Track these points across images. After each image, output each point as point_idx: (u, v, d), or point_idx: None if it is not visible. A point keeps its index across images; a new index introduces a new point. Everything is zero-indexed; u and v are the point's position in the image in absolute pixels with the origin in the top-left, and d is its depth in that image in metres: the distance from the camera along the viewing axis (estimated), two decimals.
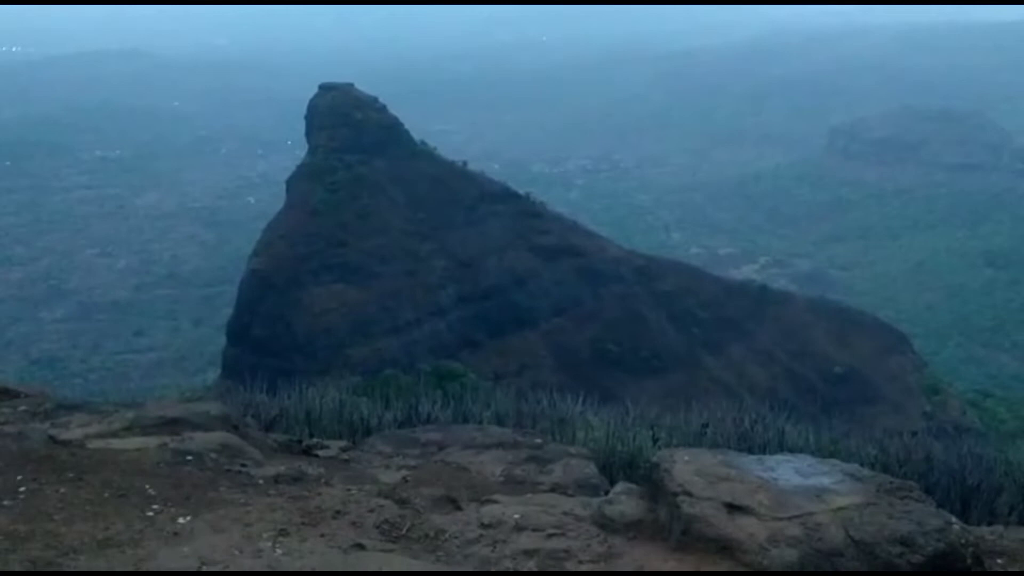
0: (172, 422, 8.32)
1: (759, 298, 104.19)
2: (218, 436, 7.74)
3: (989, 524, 7.26)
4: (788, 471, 5.86)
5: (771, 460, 6.12)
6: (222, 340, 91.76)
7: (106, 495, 6.06)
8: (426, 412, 10.73)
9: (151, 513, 5.80)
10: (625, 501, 5.95)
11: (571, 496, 6.87)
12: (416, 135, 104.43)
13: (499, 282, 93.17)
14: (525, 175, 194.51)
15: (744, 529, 5.26)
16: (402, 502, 6.23)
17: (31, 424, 8.56)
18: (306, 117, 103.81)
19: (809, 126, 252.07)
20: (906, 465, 8.89)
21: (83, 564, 5.11)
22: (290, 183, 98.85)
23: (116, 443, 7.78)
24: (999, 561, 5.76)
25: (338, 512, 5.90)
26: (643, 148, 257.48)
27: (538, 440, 8.75)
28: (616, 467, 8.91)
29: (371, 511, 5.95)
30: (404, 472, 7.69)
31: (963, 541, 5.28)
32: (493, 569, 5.36)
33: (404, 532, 5.74)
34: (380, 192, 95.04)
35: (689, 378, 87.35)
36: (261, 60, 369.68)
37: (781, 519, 5.29)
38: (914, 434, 10.84)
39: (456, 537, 5.71)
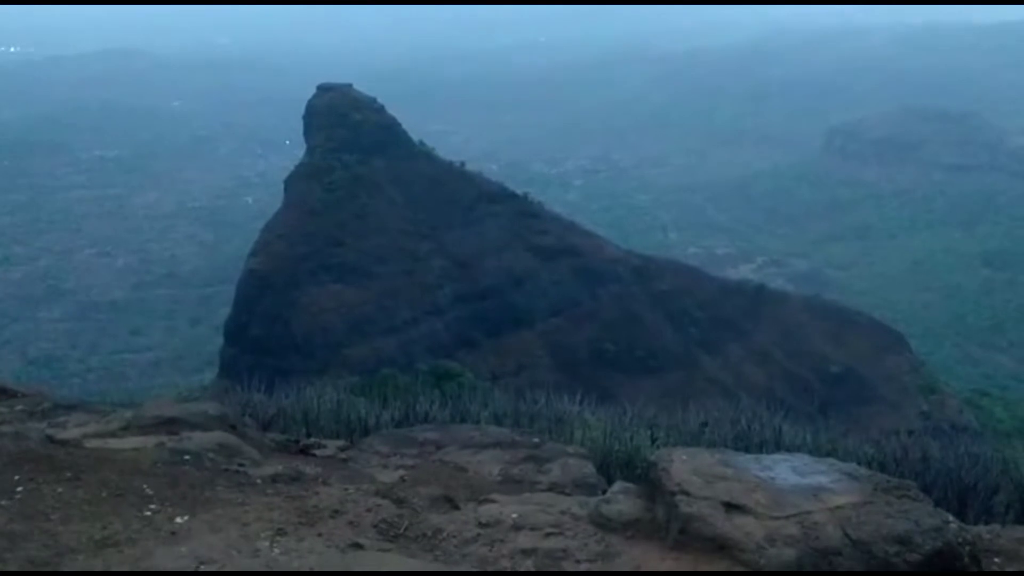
0: (170, 422, 8.32)
1: (756, 298, 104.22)
2: (216, 436, 7.74)
3: (986, 523, 7.27)
4: (785, 470, 5.86)
5: (768, 459, 6.12)
6: (220, 340, 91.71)
7: (103, 495, 6.05)
8: (424, 412, 10.75)
9: (148, 513, 5.79)
10: (623, 500, 5.96)
11: (569, 495, 6.88)
12: (414, 135, 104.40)
13: (497, 282, 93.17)
14: (523, 175, 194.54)
15: (741, 528, 5.27)
16: (400, 501, 6.23)
17: (28, 423, 8.56)
18: (304, 117, 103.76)
19: (808, 126, 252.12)
20: (903, 464, 8.91)
21: (80, 564, 5.10)
22: (288, 183, 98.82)
23: (113, 443, 7.78)
24: (996, 560, 5.77)
25: (336, 512, 5.90)
26: (642, 148, 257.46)
27: (536, 439, 8.77)
28: (613, 466, 8.93)
29: (369, 511, 5.95)
30: (402, 472, 7.70)
31: (960, 540, 5.29)
32: (491, 568, 5.36)
33: (402, 531, 5.75)
34: (378, 192, 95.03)
35: (686, 378, 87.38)
36: (261, 60, 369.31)
37: (778, 518, 5.30)
38: (911, 433, 10.86)
39: (454, 536, 5.71)
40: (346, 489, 6.50)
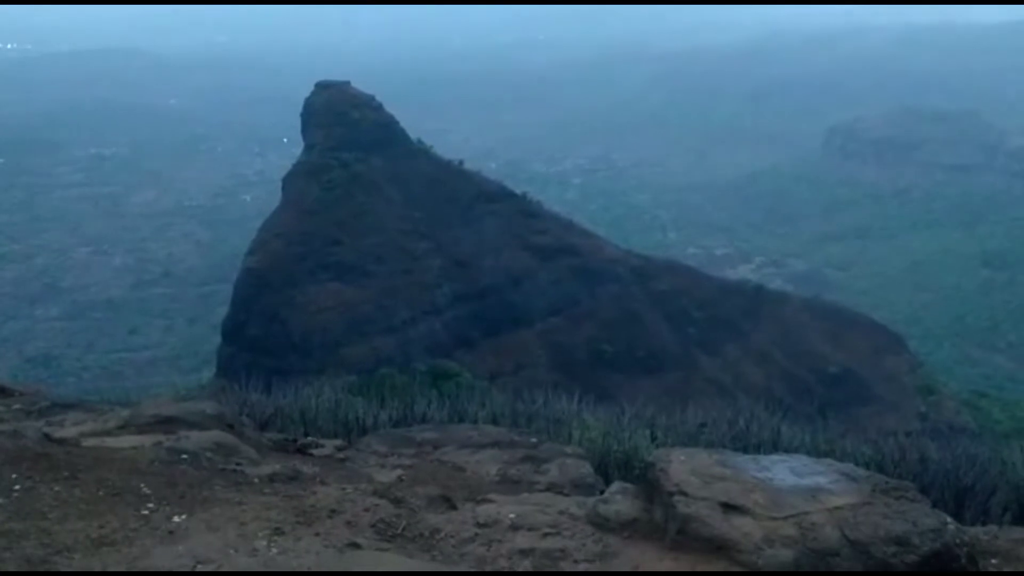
0: (167, 421, 8.32)
1: (755, 298, 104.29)
2: (213, 435, 7.73)
3: (983, 524, 7.28)
4: (783, 471, 5.86)
5: (766, 460, 6.12)
6: (217, 339, 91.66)
7: (101, 494, 6.04)
8: (421, 411, 10.75)
9: (146, 512, 5.79)
10: (620, 501, 5.95)
11: (567, 496, 6.88)
12: (413, 134, 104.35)
13: (495, 281, 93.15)
14: (522, 174, 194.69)
15: (740, 529, 5.27)
16: (397, 501, 6.22)
17: (26, 422, 8.55)
18: (302, 115, 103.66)
19: (807, 126, 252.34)
20: (901, 465, 8.91)
21: (78, 563, 5.10)
22: (286, 181, 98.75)
23: (111, 441, 7.77)
24: (993, 561, 5.77)
25: (333, 511, 5.89)
26: (641, 148, 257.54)
27: (534, 439, 8.77)
28: (611, 467, 8.93)
29: (366, 510, 5.94)
30: (399, 471, 7.69)
31: (958, 541, 5.29)
32: (488, 568, 5.36)
33: (399, 531, 5.74)
34: (376, 191, 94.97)
35: (685, 378, 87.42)
36: (258, 58, 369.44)
37: (776, 519, 5.30)
38: (909, 434, 10.86)
39: (451, 536, 5.71)
40: (344, 489, 6.49)
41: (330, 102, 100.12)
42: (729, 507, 5.42)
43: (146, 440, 7.70)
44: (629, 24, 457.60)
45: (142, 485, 6.25)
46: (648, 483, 5.96)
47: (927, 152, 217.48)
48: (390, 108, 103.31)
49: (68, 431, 8.26)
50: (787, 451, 8.05)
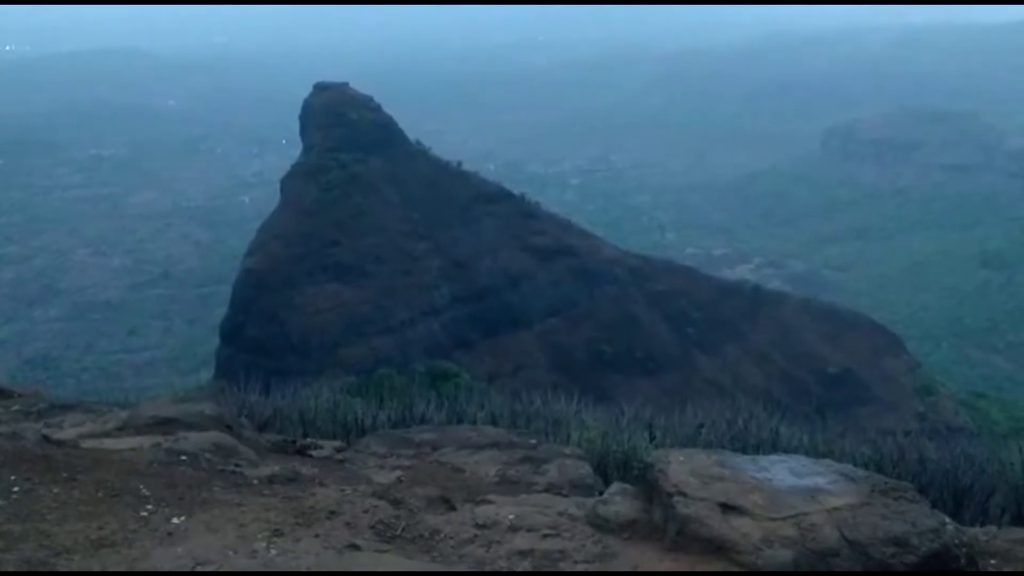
0: (166, 422, 8.32)
1: (753, 299, 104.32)
2: (212, 436, 7.74)
3: (982, 524, 7.28)
4: (782, 471, 5.86)
5: (765, 460, 6.12)
6: (216, 340, 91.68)
7: (100, 495, 6.04)
8: (420, 412, 10.74)
9: (145, 513, 5.78)
10: (620, 501, 5.96)
11: (566, 496, 6.88)
12: (411, 135, 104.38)
13: (494, 282, 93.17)
14: (520, 175, 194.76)
15: (739, 529, 5.27)
16: (396, 503, 6.22)
17: (25, 424, 8.55)
18: (301, 116, 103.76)
19: (805, 127, 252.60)
20: (899, 465, 8.91)
21: (77, 564, 5.09)
22: (284, 182, 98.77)
23: (110, 443, 7.77)
24: (992, 562, 5.78)
25: (332, 512, 5.89)
26: (639, 149, 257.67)
27: (533, 440, 8.76)
28: (610, 467, 8.93)
29: (365, 512, 5.94)
30: (398, 472, 7.69)
31: (957, 542, 5.29)
32: (488, 569, 5.36)
33: (398, 533, 5.74)
34: (375, 192, 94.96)
35: (683, 379, 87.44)
36: (257, 59, 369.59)
37: (775, 519, 5.30)
38: (907, 434, 10.86)
39: (451, 538, 5.71)
40: (343, 490, 6.49)
41: (329, 103, 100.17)
42: (728, 508, 5.43)
43: (145, 441, 7.70)
44: (628, 25, 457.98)
45: (141, 486, 6.25)
46: (647, 484, 5.96)
47: (926, 153, 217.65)
48: (389, 109, 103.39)
49: (67, 432, 8.26)
50: (786, 451, 8.04)
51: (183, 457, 7.12)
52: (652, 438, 9.71)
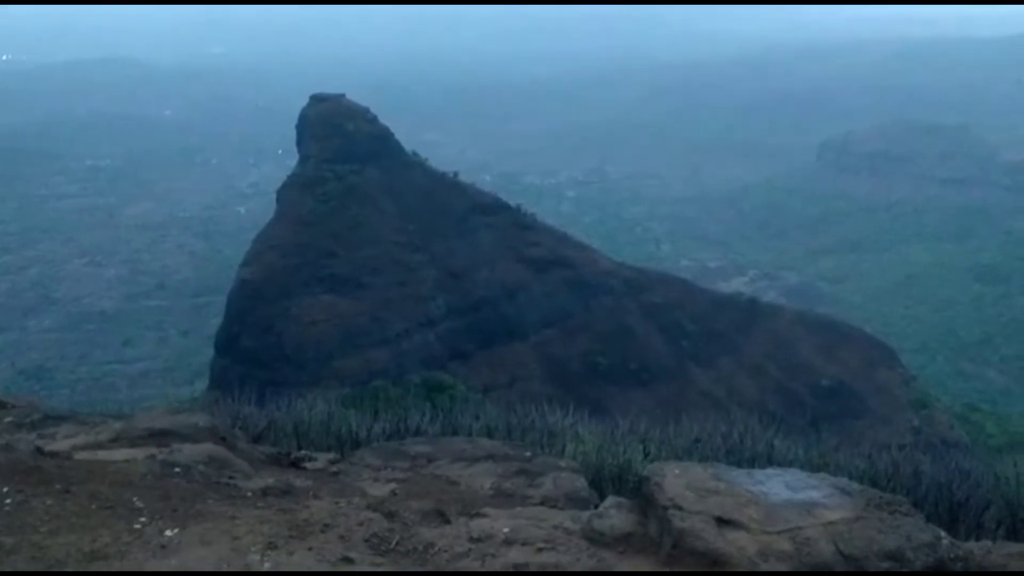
0: (160, 434, 8.28)
1: (748, 311, 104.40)
2: (206, 448, 7.70)
3: (977, 539, 7.27)
4: (778, 485, 5.86)
5: (761, 474, 6.12)
6: (211, 351, 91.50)
7: (93, 507, 6.02)
8: (415, 424, 10.71)
9: (138, 525, 5.76)
10: (615, 515, 5.94)
11: (561, 509, 6.85)
12: (407, 146, 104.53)
13: (489, 293, 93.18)
14: (516, 187, 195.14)
15: (734, 543, 5.26)
16: (391, 515, 6.20)
17: (17, 435, 8.51)
18: (297, 127, 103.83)
19: (800, 139, 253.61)
20: (894, 479, 8.90)
21: None
22: (280, 193, 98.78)
23: (103, 454, 7.74)
24: None
25: (326, 525, 5.87)
26: (635, 160, 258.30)
27: (528, 453, 8.73)
28: (605, 480, 8.90)
29: (360, 524, 5.92)
30: (393, 485, 7.66)
31: (952, 556, 5.29)
32: None
33: (393, 546, 5.72)
34: (371, 203, 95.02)
35: (678, 391, 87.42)
36: (254, 69, 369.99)
37: (771, 533, 5.29)
38: (902, 448, 10.86)
39: (445, 551, 5.69)
40: (337, 503, 6.47)
41: (325, 114, 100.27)
42: (724, 521, 5.42)
43: (139, 453, 7.67)
44: (624, 37, 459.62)
45: (135, 498, 6.22)
46: (643, 497, 5.95)
47: (921, 165, 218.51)
48: (385, 120, 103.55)
49: (60, 444, 8.23)
50: (781, 465, 8.03)
51: (177, 469, 7.09)
52: (646, 452, 9.69)
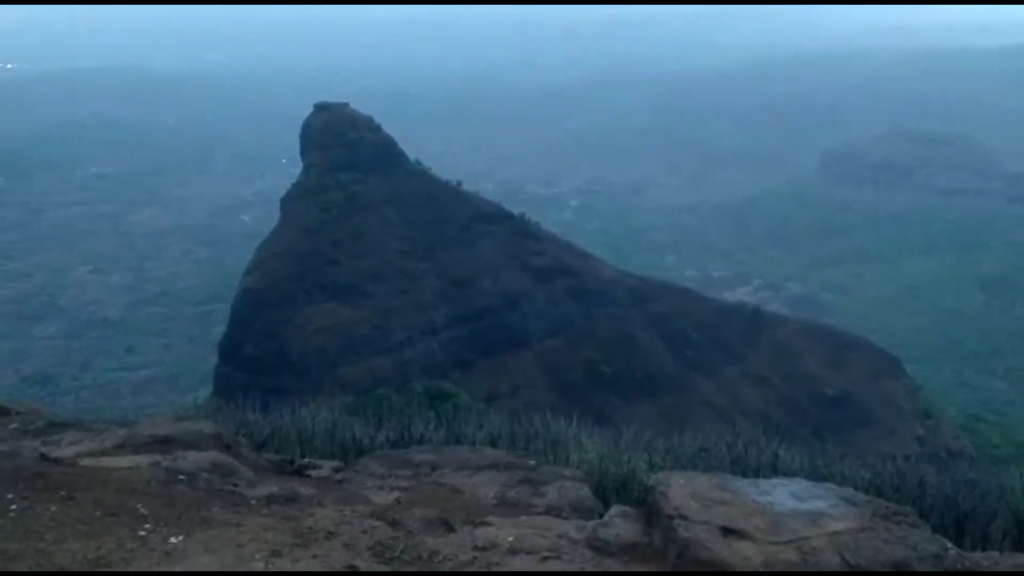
0: (164, 441, 8.28)
1: (752, 321, 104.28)
2: (210, 455, 7.70)
3: (983, 550, 7.24)
4: (784, 495, 5.84)
5: (766, 484, 6.10)
6: (214, 358, 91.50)
7: (97, 514, 6.01)
8: (419, 433, 10.69)
9: (143, 532, 5.75)
10: (620, 524, 5.93)
11: (565, 519, 6.84)
12: (411, 154, 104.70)
13: (492, 302, 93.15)
14: (520, 195, 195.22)
15: (740, 553, 5.24)
16: (395, 524, 6.19)
17: (22, 441, 8.51)
18: (301, 136, 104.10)
19: (804, 148, 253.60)
20: (900, 490, 8.87)
21: None
22: (284, 202, 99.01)
23: (108, 461, 7.74)
24: None
25: (331, 533, 5.86)
26: (638, 169, 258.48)
27: (532, 462, 8.72)
28: (610, 490, 8.88)
29: (364, 532, 5.91)
30: (397, 493, 7.65)
31: (959, 567, 5.27)
32: None
33: (397, 554, 5.71)
34: (374, 211, 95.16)
35: (682, 400, 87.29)
36: (258, 77, 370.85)
37: (777, 543, 5.27)
38: (907, 458, 10.82)
39: (449, 559, 5.67)
40: (341, 511, 6.46)
41: (328, 123, 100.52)
42: (729, 531, 5.40)
43: (143, 460, 7.67)
44: (627, 46, 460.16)
45: (139, 505, 6.22)
46: (648, 507, 5.93)
47: (923, 176, 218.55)
48: (388, 129, 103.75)
49: (65, 451, 8.23)
50: (786, 475, 8.02)
51: (181, 476, 7.09)
52: (652, 461, 9.68)
